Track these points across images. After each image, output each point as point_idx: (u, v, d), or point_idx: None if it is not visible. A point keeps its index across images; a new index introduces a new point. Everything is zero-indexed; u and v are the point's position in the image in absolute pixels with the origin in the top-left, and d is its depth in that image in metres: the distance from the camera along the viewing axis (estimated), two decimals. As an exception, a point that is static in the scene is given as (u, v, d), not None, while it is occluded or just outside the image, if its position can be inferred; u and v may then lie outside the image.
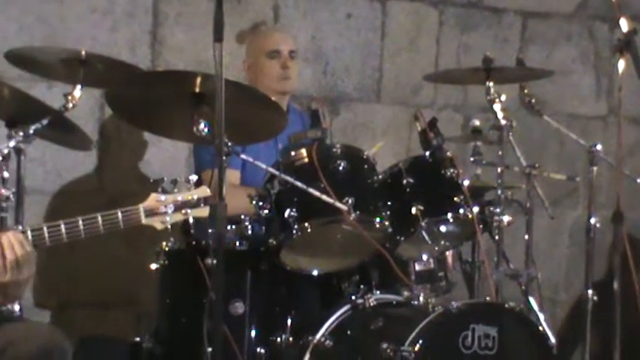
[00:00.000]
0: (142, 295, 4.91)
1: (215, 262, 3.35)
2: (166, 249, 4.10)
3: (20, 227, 3.12)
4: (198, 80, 3.81)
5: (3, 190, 3.92)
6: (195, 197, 3.25)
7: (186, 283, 4.05)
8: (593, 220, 4.56)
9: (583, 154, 4.77)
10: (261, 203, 4.00)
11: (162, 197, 3.22)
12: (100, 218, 3.12)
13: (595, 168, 4.59)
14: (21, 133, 3.95)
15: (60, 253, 4.69)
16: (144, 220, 3.19)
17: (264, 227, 4.04)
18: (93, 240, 3.17)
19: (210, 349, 3.72)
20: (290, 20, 5.53)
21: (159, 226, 3.22)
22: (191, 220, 3.29)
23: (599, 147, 4.60)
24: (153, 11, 5.25)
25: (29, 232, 3.09)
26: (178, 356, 4.08)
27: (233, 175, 4.52)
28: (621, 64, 3.68)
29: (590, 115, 6.14)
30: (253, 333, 4.04)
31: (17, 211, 4.05)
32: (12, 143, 3.94)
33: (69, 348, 3.11)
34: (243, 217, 4.06)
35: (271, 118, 4.05)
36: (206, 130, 3.73)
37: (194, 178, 3.31)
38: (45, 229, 3.09)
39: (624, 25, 3.68)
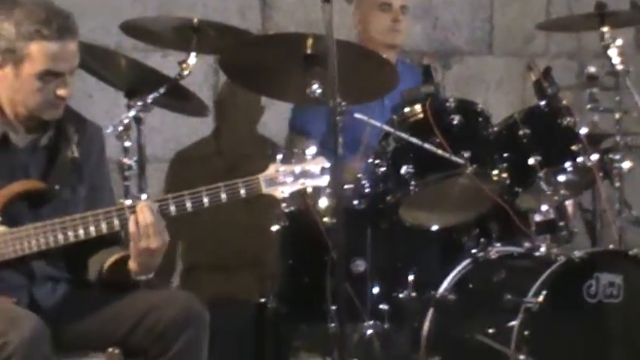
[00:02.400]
0: (265, 257, 4.97)
1: (335, 221, 3.38)
2: (286, 211, 4.15)
3: (145, 196, 3.19)
4: (310, 42, 3.83)
5: (125, 159, 4.01)
6: (313, 168, 3.27)
7: (307, 243, 4.07)
8: None
9: None
10: (377, 161, 4.01)
11: (281, 167, 3.24)
12: (222, 189, 3.17)
13: None
14: (140, 103, 4.02)
15: (183, 218, 4.78)
16: (264, 190, 3.22)
17: (381, 185, 4.06)
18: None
19: (334, 307, 3.77)
20: (398, -24, 5.48)
21: (278, 195, 3.24)
22: (309, 190, 3.31)
23: None
24: (261, -25, 5.28)
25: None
26: (303, 315, 4.14)
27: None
28: None
29: None
30: (376, 290, 4.06)
31: (140, 180, 4.14)
32: (132, 113, 4.03)
33: (207, 315, 3.18)
34: (360, 175, 4.08)
35: (383, 75, 4.05)
36: (319, 91, 3.75)
37: (313, 148, 3.32)
38: (171, 200, 3.16)
39: None
